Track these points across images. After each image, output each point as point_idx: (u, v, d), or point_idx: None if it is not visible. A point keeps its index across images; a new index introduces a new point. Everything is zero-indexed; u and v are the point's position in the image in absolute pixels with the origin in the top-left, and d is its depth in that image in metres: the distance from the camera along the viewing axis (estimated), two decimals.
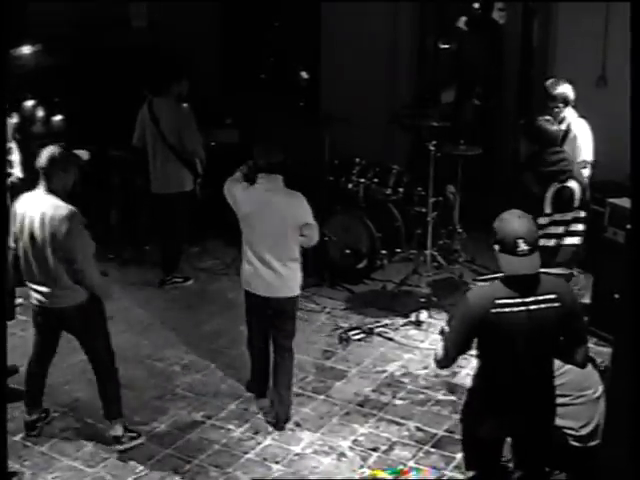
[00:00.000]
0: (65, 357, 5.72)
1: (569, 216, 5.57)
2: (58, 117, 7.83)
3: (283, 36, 10.41)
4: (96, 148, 8.83)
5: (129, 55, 9.01)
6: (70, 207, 5.06)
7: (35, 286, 5.20)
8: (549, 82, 6.70)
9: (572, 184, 5.59)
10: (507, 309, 4.05)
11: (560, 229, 5.57)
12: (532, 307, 4.07)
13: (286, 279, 5.58)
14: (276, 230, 5.49)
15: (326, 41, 9.66)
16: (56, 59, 8.75)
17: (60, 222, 4.99)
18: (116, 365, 5.46)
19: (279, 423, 5.68)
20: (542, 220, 5.48)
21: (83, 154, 5.36)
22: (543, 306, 4.07)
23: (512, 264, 4.07)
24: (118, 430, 5.42)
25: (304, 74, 10.43)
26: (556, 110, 6.56)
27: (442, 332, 4.53)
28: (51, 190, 5.07)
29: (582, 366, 4.39)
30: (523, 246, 4.03)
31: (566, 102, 6.59)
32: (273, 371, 5.76)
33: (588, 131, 6.60)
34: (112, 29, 9.18)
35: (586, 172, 6.50)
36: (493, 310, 4.04)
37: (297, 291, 5.67)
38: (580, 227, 5.61)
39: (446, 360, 4.32)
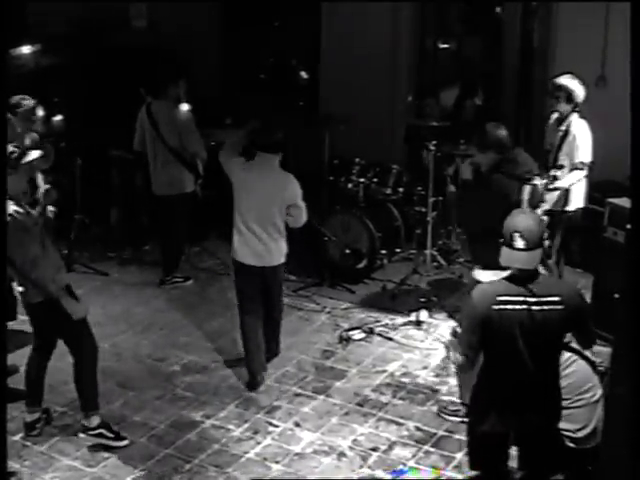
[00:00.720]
0: (65, 357, 5.70)
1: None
2: (58, 117, 7.83)
3: (283, 36, 10.41)
4: (96, 148, 8.89)
5: (129, 55, 9.01)
6: (13, 208, 5.07)
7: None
8: (563, 76, 6.63)
9: (537, 181, 5.73)
10: (509, 306, 4.09)
11: None
12: (534, 307, 4.09)
13: (272, 250, 6.01)
14: (265, 205, 5.91)
15: (326, 41, 9.66)
16: (56, 59, 8.75)
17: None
18: (97, 359, 5.48)
19: (270, 356, 6.28)
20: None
21: (35, 153, 5.34)
22: (546, 308, 4.09)
23: (508, 257, 4.15)
24: (93, 422, 5.42)
25: (304, 74, 10.43)
26: (556, 100, 6.53)
27: (455, 334, 4.54)
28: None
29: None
30: (519, 240, 4.09)
31: (570, 98, 6.53)
32: (267, 331, 6.24)
33: (587, 133, 6.58)
34: (112, 29, 9.18)
35: (583, 173, 6.51)
36: (495, 307, 4.09)
37: (282, 260, 6.10)
38: None
39: (468, 363, 4.29)
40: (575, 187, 6.65)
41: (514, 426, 4.30)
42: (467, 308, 4.26)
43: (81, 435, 5.46)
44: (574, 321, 4.18)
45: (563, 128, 6.59)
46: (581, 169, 6.51)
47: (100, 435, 5.41)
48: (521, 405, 4.22)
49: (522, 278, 4.14)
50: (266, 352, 6.26)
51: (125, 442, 5.46)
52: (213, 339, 6.88)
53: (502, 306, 4.09)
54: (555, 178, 6.34)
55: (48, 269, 5.22)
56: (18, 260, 5.13)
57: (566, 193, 6.64)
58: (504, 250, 4.16)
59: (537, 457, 4.41)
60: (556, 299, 4.10)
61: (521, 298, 4.09)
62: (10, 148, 5.22)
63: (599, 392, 4.88)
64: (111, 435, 5.44)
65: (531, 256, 4.12)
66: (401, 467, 5.28)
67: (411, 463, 5.34)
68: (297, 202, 5.98)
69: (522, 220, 4.20)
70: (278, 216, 5.96)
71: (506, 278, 4.17)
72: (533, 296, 4.10)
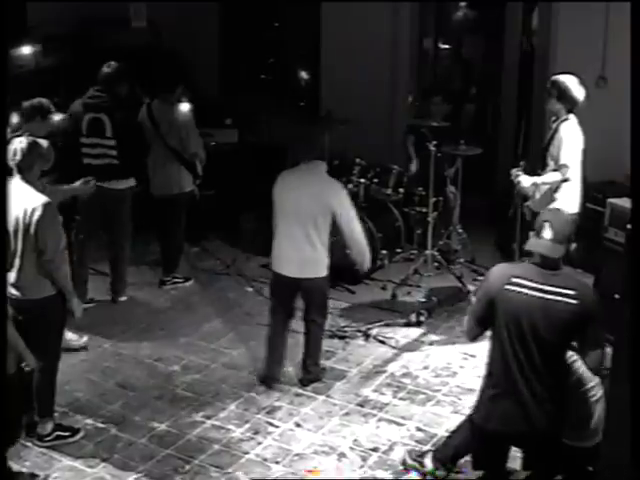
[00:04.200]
0: (65, 357, 5.71)
1: None
2: (58, 117, 7.82)
3: (283, 36, 10.42)
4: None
5: (129, 55, 9.00)
6: (44, 197, 5.09)
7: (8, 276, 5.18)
8: (565, 77, 6.42)
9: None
10: (521, 289, 4.17)
11: None
12: (548, 296, 4.14)
13: (311, 261, 5.89)
14: (308, 213, 5.78)
15: (326, 41, 9.66)
16: (56, 59, 8.74)
17: (33, 211, 5.02)
18: (58, 367, 5.45)
19: (304, 380, 6.14)
20: None
21: (44, 142, 5.36)
22: (559, 299, 4.13)
23: (535, 242, 4.27)
24: (47, 428, 5.40)
25: (304, 74, 10.43)
26: (548, 95, 6.44)
27: (469, 301, 4.64)
28: (27, 181, 5.13)
29: (595, 372, 4.45)
30: (548, 230, 4.21)
31: (562, 95, 6.32)
32: (306, 341, 6.18)
33: (576, 137, 6.34)
34: (112, 29, 9.18)
35: (561, 176, 6.29)
36: (507, 286, 4.18)
37: (322, 273, 5.96)
38: None
39: (469, 330, 4.45)
40: (566, 191, 6.39)
41: (518, 424, 4.27)
42: (484, 281, 4.43)
43: (37, 443, 5.38)
44: (583, 320, 4.17)
45: (553, 127, 6.48)
46: (562, 173, 6.28)
47: (57, 438, 5.39)
48: (525, 401, 4.21)
49: (543, 265, 4.22)
50: (302, 370, 6.20)
51: (81, 434, 5.48)
52: (213, 339, 6.88)
53: (514, 287, 4.17)
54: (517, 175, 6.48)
55: (65, 264, 5.22)
56: (50, 251, 5.06)
57: (550, 195, 6.42)
58: (532, 238, 4.31)
59: (541, 458, 4.40)
60: (571, 293, 4.13)
61: (535, 285, 4.16)
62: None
63: (600, 392, 4.87)
64: (66, 433, 5.44)
65: (555, 247, 4.22)
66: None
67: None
68: (341, 210, 5.82)
69: (554, 215, 4.41)
70: (322, 224, 5.82)
71: (525, 262, 4.35)
72: (549, 285, 4.14)
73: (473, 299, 4.60)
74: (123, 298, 7.52)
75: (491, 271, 4.39)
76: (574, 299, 4.13)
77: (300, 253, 5.85)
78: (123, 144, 7.10)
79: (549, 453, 4.37)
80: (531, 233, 4.40)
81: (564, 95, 6.35)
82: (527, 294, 4.16)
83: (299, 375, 6.20)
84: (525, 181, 6.44)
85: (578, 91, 6.36)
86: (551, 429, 4.33)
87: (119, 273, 7.50)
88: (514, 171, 6.53)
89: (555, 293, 4.13)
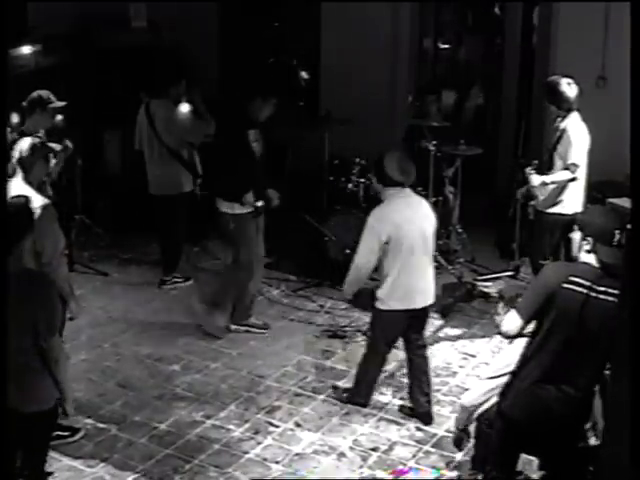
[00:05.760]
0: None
1: None
2: (58, 117, 7.82)
3: (283, 36, 10.42)
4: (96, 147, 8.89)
5: (129, 55, 9.01)
6: (44, 199, 5.07)
7: None
8: (552, 78, 6.59)
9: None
10: (577, 288, 4.12)
11: None
12: (601, 296, 4.11)
13: (431, 286, 5.68)
14: (427, 236, 5.55)
15: (326, 41, 9.66)
16: (56, 59, 8.74)
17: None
18: None
19: (427, 418, 5.75)
20: None
21: (56, 146, 5.36)
22: (609, 298, 4.09)
23: (612, 254, 4.14)
24: None
25: (304, 74, 10.43)
26: (553, 109, 6.53)
27: (501, 296, 4.55)
28: (28, 182, 5.11)
29: None
30: (617, 237, 4.14)
31: (554, 97, 6.46)
32: (415, 370, 5.84)
33: (583, 135, 6.49)
34: (112, 29, 9.18)
35: (571, 175, 6.41)
36: (565, 285, 4.12)
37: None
38: None
39: (513, 326, 4.25)
40: (571, 190, 6.55)
41: (555, 416, 4.25)
42: (539, 276, 4.34)
43: None
44: None
45: (561, 127, 6.55)
46: (572, 171, 6.42)
47: (57, 437, 5.28)
48: (565, 395, 4.20)
49: (607, 270, 4.15)
50: (415, 402, 5.83)
51: (81, 434, 5.46)
52: (213, 339, 6.88)
53: (571, 286, 4.12)
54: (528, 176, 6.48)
55: (63, 266, 5.20)
56: (48, 254, 4.99)
57: (558, 194, 6.56)
58: (603, 249, 4.16)
59: (561, 458, 4.39)
60: (619, 293, 4.08)
61: (589, 283, 4.11)
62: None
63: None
64: (66, 433, 5.42)
65: (614, 251, 4.15)
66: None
67: (411, 463, 5.35)
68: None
69: (615, 217, 4.27)
70: (433, 242, 5.66)
71: (589, 265, 4.19)
72: (602, 286, 4.11)
73: (506, 294, 4.48)
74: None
75: (546, 268, 4.38)
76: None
77: (426, 280, 5.61)
78: None
79: (570, 452, 4.35)
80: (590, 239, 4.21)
81: (555, 96, 6.48)
82: (581, 292, 4.12)
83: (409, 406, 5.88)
84: (535, 180, 6.47)
85: (568, 89, 6.45)
86: (579, 426, 4.34)
87: None
88: (528, 170, 6.53)
89: (608, 293, 4.11)
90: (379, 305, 5.62)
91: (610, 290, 4.10)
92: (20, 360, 4.11)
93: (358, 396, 5.91)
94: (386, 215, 5.48)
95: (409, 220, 5.47)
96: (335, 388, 6.13)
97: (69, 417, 4.57)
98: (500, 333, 4.41)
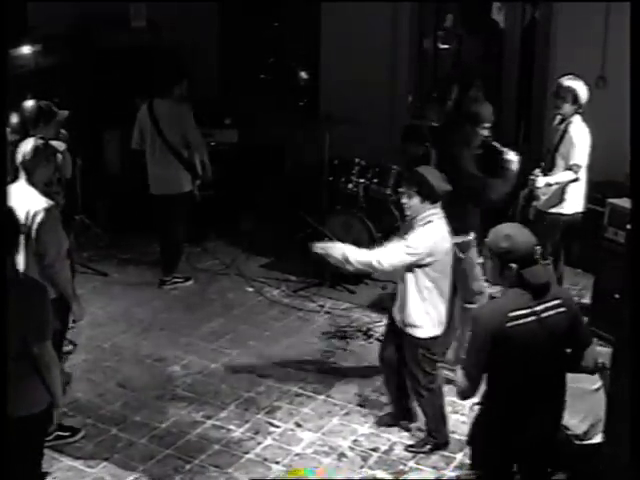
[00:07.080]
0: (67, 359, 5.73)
1: None
2: (64, 112, 7.83)
3: (283, 36, 10.41)
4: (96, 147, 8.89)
5: (129, 55, 9.01)
6: (48, 201, 5.06)
7: None
8: (567, 78, 6.59)
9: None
10: (521, 320, 3.92)
11: None
12: (543, 315, 3.96)
13: None
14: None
15: (326, 41, 9.66)
16: (56, 59, 8.74)
17: (34, 215, 4.97)
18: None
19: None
20: None
21: (59, 145, 5.34)
22: (552, 312, 3.98)
23: (537, 273, 3.97)
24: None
25: (304, 74, 10.43)
26: (562, 100, 6.52)
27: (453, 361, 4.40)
28: (32, 184, 5.10)
29: (592, 372, 4.35)
30: (538, 252, 3.99)
31: (575, 99, 6.49)
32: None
33: (586, 136, 6.53)
34: (112, 29, 9.18)
35: (574, 175, 6.45)
36: (508, 324, 3.91)
37: None
38: None
39: (473, 388, 4.03)
40: (572, 190, 6.59)
41: (521, 443, 4.14)
42: (475, 329, 3.98)
43: None
44: (575, 322, 4.12)
45: (562, 128, 6.58)
46: (575, 171, 6.46)
47: (57, 438, 5.27)
48: (530, 421, 4.08)
49: (537, 289, 3.98)
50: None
51: (81, 434, 5.45)
52: (213, 339, 6.88)
53: (515, 322, 3.91)
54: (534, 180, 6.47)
55: (66, 268, 5.20)
56: (51, 256, 5.00)
57: (560, 195, 6.60)
58: (529, 270, 3.94)
59: (537, 461, 4.36)
60: (558, 302, 4.02)
61: (530, 310, 3.95)
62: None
63: (598, 382, 4.88)
64: (66, 433, 5.41)
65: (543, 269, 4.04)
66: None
67: (411, 463, 5.35)
68: None
69: (524, 233, 4.02)
70: None
71: (515, 292, 3.99)
72: (540, 304, 3.97)
73: (460, 356, 4.26)
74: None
75: (478, 318, 4.01)
76: (563, 307, 4.02)
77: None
78: None
79: (547, 459, 4.33)
80: (514, 265, 3.93)
81: (577, 98, 6.52)
82: (527, 322, 3.93)
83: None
84: (540, 182, 6.48)
85: (585, 92, 6.55)
86: (554, 431, 4.31)
87: None
88: (536, 172, 6.52)
89: (548, 309, 3.98)
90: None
91: (551, 304, 3.98)
92: (10, 365, 3.99)
93: (441, 436, 5.49)
94: (431, 241, 5.11)
95: (446, 240, 5.22)
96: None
97: (53, 425, 4.39)
98: (461, 394, 4.11)
